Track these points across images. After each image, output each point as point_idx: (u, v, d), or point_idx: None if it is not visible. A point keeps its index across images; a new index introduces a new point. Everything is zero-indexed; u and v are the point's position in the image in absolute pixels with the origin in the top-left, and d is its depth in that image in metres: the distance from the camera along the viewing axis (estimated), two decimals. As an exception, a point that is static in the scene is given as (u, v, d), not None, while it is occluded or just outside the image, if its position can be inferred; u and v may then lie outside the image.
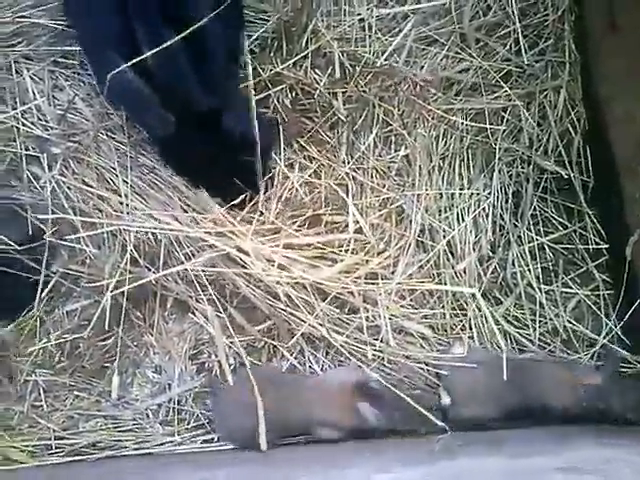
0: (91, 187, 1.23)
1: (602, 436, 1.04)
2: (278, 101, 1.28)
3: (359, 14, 1.34)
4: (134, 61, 1.00)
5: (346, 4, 1.36)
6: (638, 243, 1.34)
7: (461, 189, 1.37)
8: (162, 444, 1.26)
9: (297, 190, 1.27)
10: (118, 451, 1.24)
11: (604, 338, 1.39)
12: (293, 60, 1.28)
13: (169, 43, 1.02)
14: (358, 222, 1.25)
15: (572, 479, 0.71)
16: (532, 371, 1.26)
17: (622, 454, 0.87)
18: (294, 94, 1.28)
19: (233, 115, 1.14)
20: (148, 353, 1.31)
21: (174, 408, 1.28)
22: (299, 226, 1.25)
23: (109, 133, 1.26)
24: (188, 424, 1.28)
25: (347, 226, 1.23)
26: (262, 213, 1.23)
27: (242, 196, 1.24)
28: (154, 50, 1.01)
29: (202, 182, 1.24)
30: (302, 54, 1.28)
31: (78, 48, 1.25)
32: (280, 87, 1.28)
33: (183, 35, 1.02)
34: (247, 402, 1.14)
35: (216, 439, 1.26)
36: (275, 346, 1.29)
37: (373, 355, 1.23)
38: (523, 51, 1.44)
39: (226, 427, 1.23)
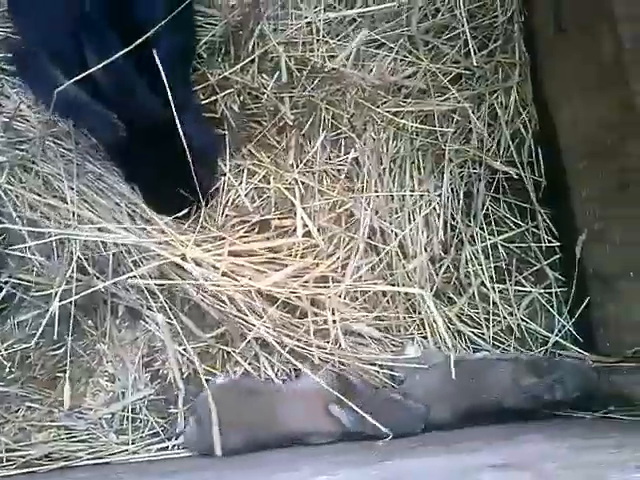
0: (38, 195, 1.21)
1: (545, 431, 1.05)
2: (226, 106, 1.28)
3: (306, 17, 1.34)
4: (77, 78, 0.99)
5: (294, 8, 1.36)
6: (587, 242, 1.36)
7: (412, 191, 1.38)
8: (116, 453, 1.25)
9: (245, 196, 1.27)
10: (72, 462, 1.23)
11: (557, 336, 1.41)
12: (240, 65, 1.28)
13: (116, 56, 1.00)
14: (307, 226, 1.25)
15: (499, 476, 0.71)
16: (484, 371, 1.27)
17: (558, 449, 0.88)
18: (242, 99, 1.28)
19: (189, 125, 1.13)
20: (101, 362, 1.30)
21: (128, 417, 1.28)
22: (246, 232, 1.25)
23: (56, 140, 1.25)
24: (143, 432, 1.27)
25: (296, 230, 1.23)
26: (206, 221, 1.22)
27: (187, 208, 1.23)
28: (101, 64, 1.00)
29: (150, 192, 1.23)
30: (249, 58, 1.28)
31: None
32: (228, 92, 1.28)
33: (132, 47, 1.01)
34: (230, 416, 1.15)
35: (170, 447, 1.25)
36: (229, 352, 1.29)
37: (326, 358, 1.22)
38: (472, 53, 1.46)
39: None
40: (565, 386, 1.20)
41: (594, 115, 1.30)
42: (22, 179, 1.23)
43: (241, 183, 1.30)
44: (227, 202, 1.30)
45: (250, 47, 1.28)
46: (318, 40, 1.33)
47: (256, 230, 1.27)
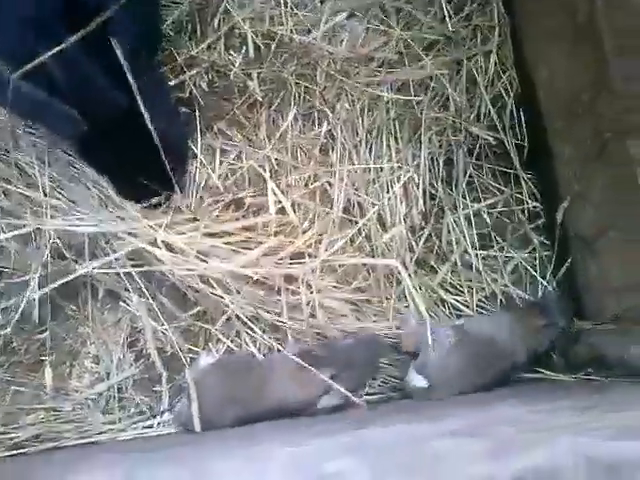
0: (12, 185, 1.23)
1: (519, 395, 1.05)
2: (194, 85, 1.27)
3: (273, -11, 1.32)
4: (25, 69, 0.96)
5: (260, -19, 1.34)
6: (569, 204, 1.34)
7: (389, 161, 1.36)
8: (103, 432, 1.27)
9: (218, 176, 1.27)
10: (60, 442, 1.25)
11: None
12: (207, 43, 1.27)
13: (67, 44, 0.96)
14: (281, 202, 1.25)
15: (450, 443, 0.71)
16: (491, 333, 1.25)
17: (526, 414, 0.88)
18: (210, 77, 1.27)
19: (156, 114, 1.10)
20: (85, 344, 1.32)
21: (114, 396, 1.29)
22: (221, 212, 1.25)
23: (27, 129, 1.25)
24: (129, 411, 1.29)
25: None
26: (180, 204, 1.23)
27: (161, 196, 1.23)
28: (49, 53, 0.96)
29: (120, 183, 1.23)
30: (215, 36, 1.27)
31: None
32: (195, 71, 1.27)
33: (82, 34, 0.97)
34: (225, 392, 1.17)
35: (156, 425, 1.27)
36: (210, 331, 1.30)
37: (303, 332, 1.23)
38: (448, 18, 1.43)
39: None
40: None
41: (570, 75, 1.28)
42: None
43: (212, 163, 1.29)
44: (200, 183, 1.29)
45: (216, 24, 1.27)
46: (286, 13, 1.31)
47: (231, 209, 1.27)
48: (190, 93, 1.28)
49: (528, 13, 1.44)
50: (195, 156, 1.30)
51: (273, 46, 1.29)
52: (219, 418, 1.19)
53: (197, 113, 1.30)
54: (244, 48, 1.27)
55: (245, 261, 1.15)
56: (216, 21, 1.27)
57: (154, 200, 1.22)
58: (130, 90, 1.05)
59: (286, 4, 1.34)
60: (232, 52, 1.28)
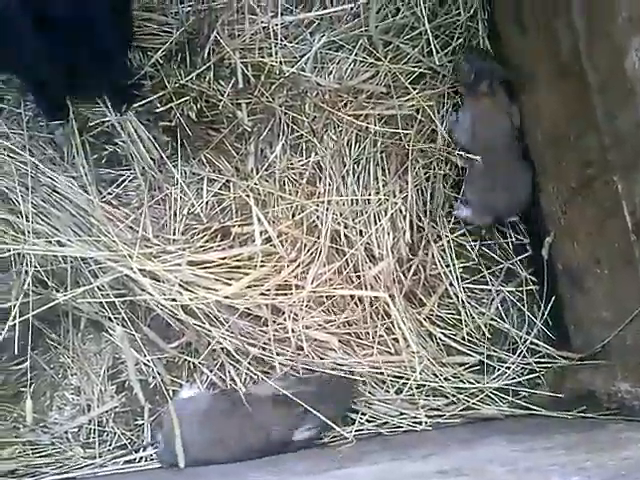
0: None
1: (505, 434, 1.04)
2: (182, 114, 1.26)
3: (262, 22, 1.33)
4: None
5: (250, 12, 1.34)
6: (556, 238, 1.35)
7: (377, 193, 1.36)
8: (83, 467, 1.24)
9: (205, 204, 1.26)
10: (38, 477, 1.22)
11: (528, 334, 1.39)
12: (197, 72, 1.27)
13: None
14: (267, 232, 1.24)
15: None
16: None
17: (512, 452, 0.86)
18: (199, 106, 1.26)
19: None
20: (66, 374, 1.30)
21: (95, 429, 1.26)
22: (206, 241, 1.23)
23: (10, 154, 1.24)
24: (110, 445, 1.26)
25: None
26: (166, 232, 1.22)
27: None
28: None
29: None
30: (205, 65, 1.27)
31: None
32: (184, 99, 1.27)
33: None
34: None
35: (137, 459, 1.24)
36: (194, 363, 1.28)
37: (289, 365, 1.21)
38: (434, 52, 1.44)
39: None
40: None
41: (554, 111, 1.29)
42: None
43: (199, 191, 1.29)
44: (188, 212, 1.28)
45: (206, 54, 1.27)
46: (275, 45, 1.32)
47: (218, 238, 1.26)
48: (178, 122, 1.27)
49: (513, 49, 1.45)
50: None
51: (262, 77, 1.29)
52: (203, 455, 1.17)
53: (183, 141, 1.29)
54: (234, 78, 1.27)
55: (231, 292, 1.13)
56: (206, 51, 1.27)
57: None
58: None
59: (276, 36, 1.34)
60: (221, 82, 1.28)
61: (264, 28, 1.34)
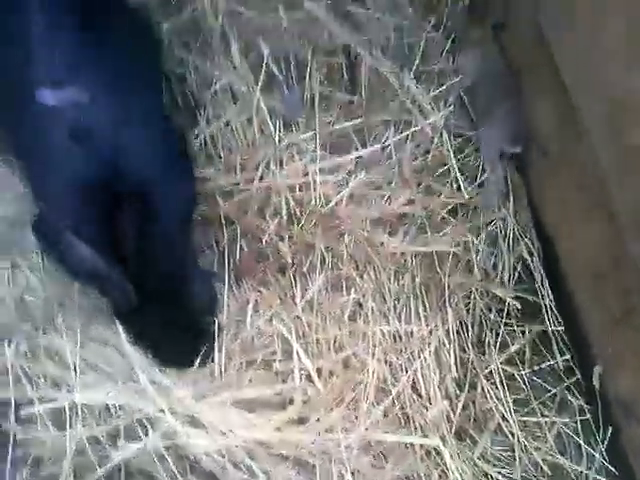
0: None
1: None
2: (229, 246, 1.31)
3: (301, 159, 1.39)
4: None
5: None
6: (605, 369, 1.32)
7: (419, 327, 1.36)
8: None
9: (248, 337, 1.27)
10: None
11: (588, 469, 1.33)
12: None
13: None
14: (304, 369, 1.23)
15: None
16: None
17: None
18: (244, 241, 1.32)
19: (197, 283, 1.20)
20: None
21: None
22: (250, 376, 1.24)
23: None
24: None
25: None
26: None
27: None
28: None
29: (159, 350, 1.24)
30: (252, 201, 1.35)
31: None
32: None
33: None
34: None
35: None
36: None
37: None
38: (462, 187, 1.49)
39: None
40: None
41: (589, 242, 1.31)
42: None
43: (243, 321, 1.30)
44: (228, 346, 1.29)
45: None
46: (315, 181, 1.37)
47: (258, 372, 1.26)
48: (226, 253, 1.32)
49: (542, 183, 1.50)
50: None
51: (305, 213, 1.35)
52: None
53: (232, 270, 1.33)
54: (277, 215, 1.33)
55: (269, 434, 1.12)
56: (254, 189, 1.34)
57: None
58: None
59: (315, 175, 1.40)
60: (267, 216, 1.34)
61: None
